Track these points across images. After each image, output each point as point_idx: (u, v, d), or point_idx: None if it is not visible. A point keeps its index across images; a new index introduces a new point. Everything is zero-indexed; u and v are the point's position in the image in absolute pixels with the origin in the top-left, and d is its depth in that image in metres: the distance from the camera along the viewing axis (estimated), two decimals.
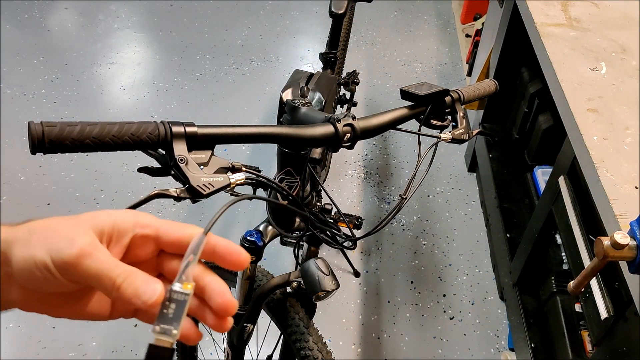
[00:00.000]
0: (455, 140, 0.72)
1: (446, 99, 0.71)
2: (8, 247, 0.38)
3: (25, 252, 0.37)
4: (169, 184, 0.51)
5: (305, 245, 1.13)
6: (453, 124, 0.73)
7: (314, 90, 1.02)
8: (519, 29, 1.62)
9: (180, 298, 0.38)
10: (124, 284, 0.38)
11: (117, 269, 0.38)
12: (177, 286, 0.38)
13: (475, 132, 0.77)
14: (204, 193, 0.51)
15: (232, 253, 0.41)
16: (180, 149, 0.50)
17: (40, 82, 2.64)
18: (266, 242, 0.90)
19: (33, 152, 0.46)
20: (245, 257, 0.41)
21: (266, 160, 2.23)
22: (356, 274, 1.90)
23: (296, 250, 1.08)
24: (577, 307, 1.37)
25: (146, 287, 0.38)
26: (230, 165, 0.54)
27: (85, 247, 0.38)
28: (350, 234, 0.80)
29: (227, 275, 1.06)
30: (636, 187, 0.92)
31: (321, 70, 1.46)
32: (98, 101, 2.60)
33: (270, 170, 1.99)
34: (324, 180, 1.33)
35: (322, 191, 1.14)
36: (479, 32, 2.58)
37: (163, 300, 0.39)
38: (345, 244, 0.82)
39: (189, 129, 0.51)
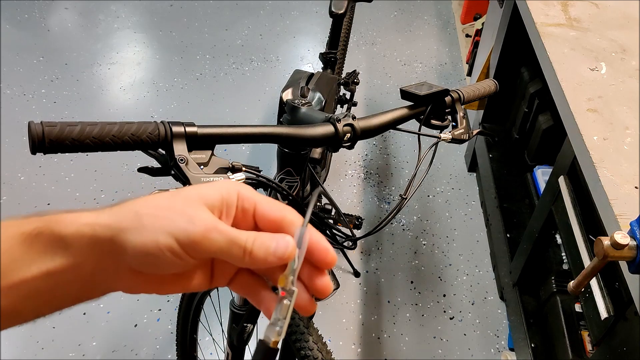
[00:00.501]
0: (455, 140, 0.72)
1: (446, 99, 0.71)
2: (117, 235, 0.37)
3: (143, 237, 0.37)
4: (169, 184, 0.51)
5: None
6: (453, 124, 0.73)
7: (314, 90, 1.02)
8: (519, 29, 1.62)
9: (287, 298, 0.39)
10: (255, 248, 0.38)
11: (242, 236, 0.38)
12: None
13: (475, 132, 0.77)
14: None
15: (321, 250, 0.40)
16: (180, 149, 0.50)
17: (40, 82, 2.64)
18: None
19: (33, 152, 0.46)
20: (332, 257, 0.40)
21: (266, 160, 2.23)
22: (356, 274, 1.90)
23: None
24: (577, 307, 1.37)
25: (277, 243, 0.38)
26: (230, 165, 0.54)
27: (208, 223, 0.38)
28: (350, 234, 0.80)
29: None
30: (636, 187, 0.92)
31: (321, 70, 1.46)
32: (98, 101, 2.60)
33: (270, 170, 1.99)
34: (324, 180, 1.33)
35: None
36: (479, 32, 2.58)
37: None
38: (345, 243, 0.82)
39: (189, 129, 0.51)
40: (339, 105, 1.82)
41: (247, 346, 1.06)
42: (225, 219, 0.40)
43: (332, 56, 1.60)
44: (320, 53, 1.63)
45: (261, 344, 0.38)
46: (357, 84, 1.83)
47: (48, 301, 0.39)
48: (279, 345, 0.38)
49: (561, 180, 1.26)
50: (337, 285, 0.80)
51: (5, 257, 0.36)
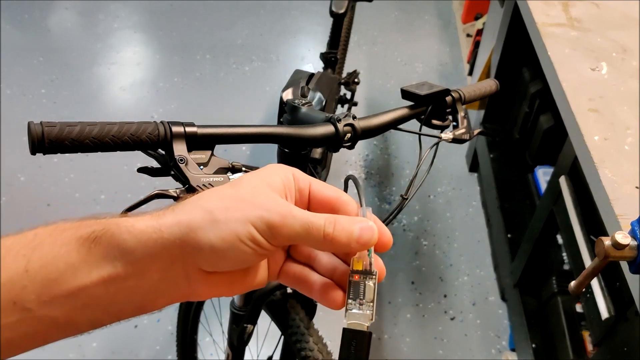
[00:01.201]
0: (456, 140, 0.72)
1: (447, 98, 0.71)
2: (188, 235, 0.35)
3: (220, 231, 0.35)
4: (169, 184, 0.51)
5: None
6: (454, 124, 0.72)
7: (315, 90, 1.02)
8: (519, 29, 1.62)
9: (367, 280, 0.38)
10: (336, 232, 0.37)
11: (319, 219, 0.37)
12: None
13: (476, 132, 0.77)
14: None
15: (384, 232, 0.40)
16: (180, 149, 0.50)
17: (40, 82, 2.64)
18: None
19: (33, 152, 0.46)
20: (390, 238, 0.40)
21: (266, 160, 2.23)
22: None
23: None
24: (578, 308, 1.37)
25: (362, 230, 0.37)
26: (230, 166, 0.54)
27: (283, 208, 0.36)
28: None
29: None
30: (637, 187, 0.92)
31: (322, 70, 1.46)
32: (98, 101, 2.60)
33: None
34: (325, 181, 1.33)
35: None
36: (479, 32, 2.57)
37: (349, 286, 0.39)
38: None
39: (188, 129, 0.51)
40: (339, 105, 1.82)
41: (247, 347, 1.06)
42: (290, 201, 0.40)
43: (333, 56, 1.60)
44: (320, 53, 1.63)
45: (353, 332, 0.37)
46: (358, 83, 1.82)
47: (107, 310, 0.36)
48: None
49: (562, 180, 1.26)
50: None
51: (62, 263, 0.34)
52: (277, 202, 0.37)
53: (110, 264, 0.35)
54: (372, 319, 0.38)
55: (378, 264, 0.40)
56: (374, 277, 0.38)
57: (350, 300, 0.38)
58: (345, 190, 0.44)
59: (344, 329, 0.38)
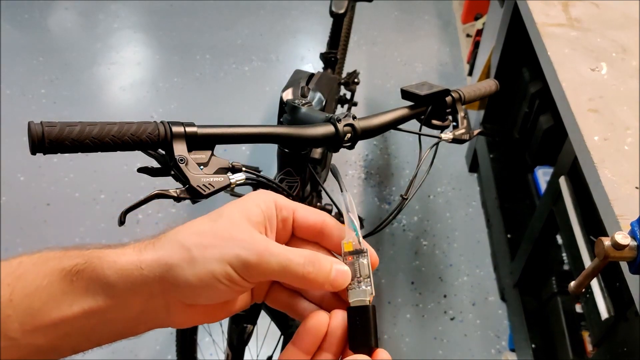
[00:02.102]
0: (456, 141, 0.72)
1: (447, 99, 0.71)
2: (167, 272, 0.35)
3: (196, 270, 0.35)
4: (169, 184, 0.51)
5: None
6: (454, 124, 0.72)
7: (315, 90, 1.01)
8: (519, 29, 1.62)
9: (360, 260, 0.40)
10: (313, 273, 0.37)
11: (298, 257, 0.37)
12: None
13: (476, 132, 0.77)
14: (204, 193, 0.51)
15: (372, 253, 0.41)
16: (180, 149, 0.50)
17: (40, 82, 2.64)
18: None
19: (33, 152, 0.46)
20: (377, 258, 0.41)
21: (266, 160, 2.23)
22: None
23: None
24: (578, 308, 1.37)
25: (337, 274, 0.38)
26: (230, 166, 0.54)
27: (260, 246, 0.36)
28: None
29: None
30: (637, 188, 0.92)
31: (322, 70, 1.46)
32: (98, 101, 2.60)
33: (270, 170, 1.99)
34: (324, 180, 1.33)
35: (323, 191, 1.14)
36: (479, 32, 2.57)
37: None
38: None
39: (188, 129, 0.51)
40: (339, 105, 1.82)
41: (247, 347, 1.06)
42: (270, 234, 0.39)
43: (333, 56, 1.60)
44: (320, 53, 1.63)
45: (357, 309, 0.38)
46: (358, 83, 1.82)
47: (88, 338, 0.37)
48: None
49: (562, 180, 1.26)
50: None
51: (45, 294, 0.34)
52: (255, 239, 0.37)
53: (92, 297, 0.35)
54: (372, 293, 0.39)
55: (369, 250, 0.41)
56: (365, 254, 0.40)
57: (349, 283, 0.39)
58: (335, 175, 0.48)
59: (348, 309, 0.39)
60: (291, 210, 0.41)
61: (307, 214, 0.41)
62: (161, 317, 0.38)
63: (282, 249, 0.37)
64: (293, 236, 0.42)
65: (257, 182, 0.62)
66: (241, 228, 0.37)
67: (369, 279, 0.39)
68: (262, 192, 0.41)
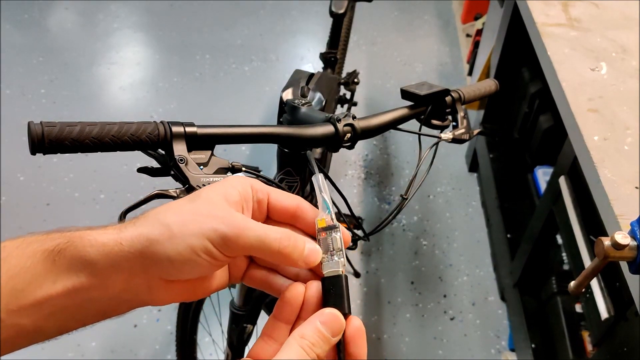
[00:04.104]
0: (456, 140, 0.72)
1: (447, 98, 0.71)
2: (147, 248, 0.37)
3: (176, 245, 0.37)
4: (169, 184, 0.51)
5: None
6: (454, 123, 0.72)
7: (314, 90, 1.01)
8: (519, 29, 1.62)
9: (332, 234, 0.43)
10: (289, 247, 0.39)
11: (275, 233, 0.39)
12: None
13: (475, 132, 0.77)
14: None
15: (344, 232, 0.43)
16: (180, 149, 0.50)
17: (40, 82, 2.64)
18: None
19: (33, 152, 0.46)
20: (347, 236, 0.43)
21: (266, 160, 2.23)
22: (356, 274, 1.89)
23: None
24: (578, 308, 1.37)
25: (310, 252, 0.40)
26: (230, 166, 0.54)
27: (238, 221, 0.38)
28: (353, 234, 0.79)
29: None
30: (637, 187, 0.92)
31: (321, 70, 1.46)
32: (98, 101, 2.60)
33: (270, 170, 1.99)
34: None
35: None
36: (479, 32, 2.57)
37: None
38: None
39: (188, 129, 0.51)
40: (339, 105, 1.82)
41: (247, 346, 1.06)
42: (247, 213, 0.41)
43: (333, 56, 1.60)
44: (320, 53, 1.63)
45: (330, 279, 0.41)
46: (358, 83, 1.82)
47: (73, 318, 0.38)
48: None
49: (562, 180, 1.26)
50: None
51: (28, 274, 0.35)
52: (233, 215, 0.39)
53: (74, 275, 0.36)
54: (344, 265, 0.42)
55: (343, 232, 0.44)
56: (337, 229, 0.43)
57: (323, 256, 0.42)
58: (308, 159, 0.52)
59: (322, 279, 0.42)
60: (266, 193, 0.43)
61: (281, 197, 0.43)
62: (143, 296, 0.39)
63: (260, 224, 0.39)
64: (268, 218, 0.44)
65: None
66: (219, 207, 0.39)
67: (341, 252, 0.42)
68: (238, 176, 0.43)
